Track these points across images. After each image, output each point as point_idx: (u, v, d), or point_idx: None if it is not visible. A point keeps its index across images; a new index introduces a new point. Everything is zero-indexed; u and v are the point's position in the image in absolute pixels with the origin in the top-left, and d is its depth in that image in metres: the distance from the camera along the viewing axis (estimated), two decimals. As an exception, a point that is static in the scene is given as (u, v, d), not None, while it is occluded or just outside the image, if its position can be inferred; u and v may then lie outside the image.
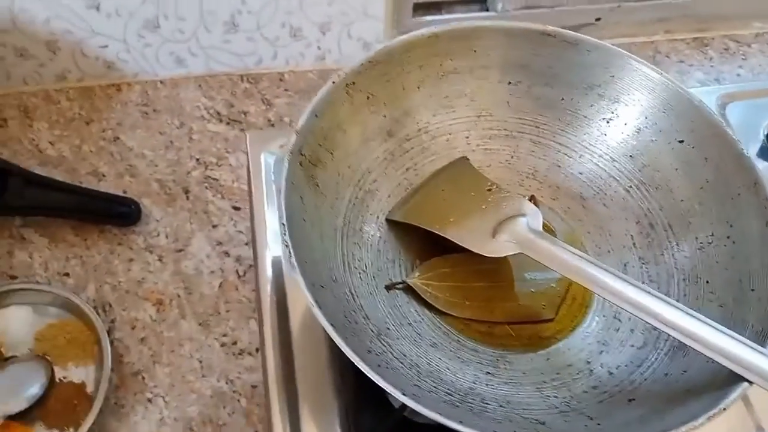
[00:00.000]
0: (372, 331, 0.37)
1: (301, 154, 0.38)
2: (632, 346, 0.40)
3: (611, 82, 0.44)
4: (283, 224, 0.34)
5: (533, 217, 0.40)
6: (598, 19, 0.72)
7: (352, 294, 0.38)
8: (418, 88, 0.45)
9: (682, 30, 0.75)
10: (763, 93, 0.59)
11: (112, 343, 0.51)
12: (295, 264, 0.32)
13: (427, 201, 0.44)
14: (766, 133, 0.56)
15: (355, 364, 0.30)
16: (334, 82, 0.40)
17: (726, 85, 0.67)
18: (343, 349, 0.30)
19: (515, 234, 0.39)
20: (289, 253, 0.33)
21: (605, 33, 0.73)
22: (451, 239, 0.41)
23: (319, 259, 0.37)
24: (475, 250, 0.40)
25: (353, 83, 0.42)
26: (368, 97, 0.43)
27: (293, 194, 0.36)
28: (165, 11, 0.61)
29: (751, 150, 0.56)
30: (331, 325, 0.31)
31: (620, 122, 0.45)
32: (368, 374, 0.30)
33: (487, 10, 0.70)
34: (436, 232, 0.42)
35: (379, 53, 0.42)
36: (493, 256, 0.40)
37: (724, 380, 0.33)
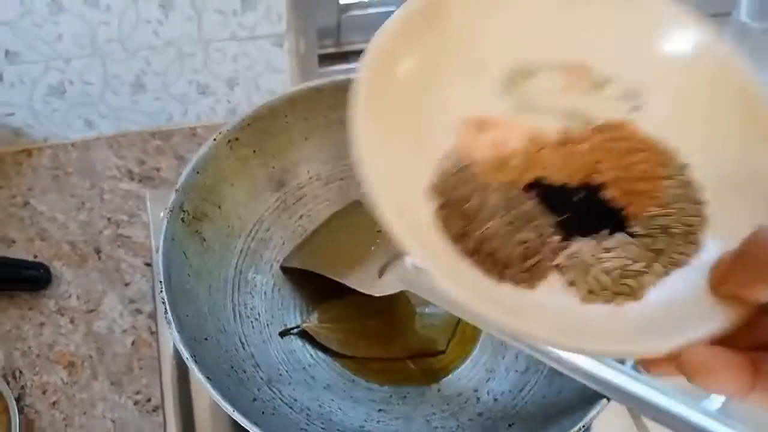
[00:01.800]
0: (261, 378, 0.38)
1: (183, 210, 0.39)
2: (516, 371, 0.42)
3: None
4: (161, 282, 0.35)
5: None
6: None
7: (242, 343, 0.40)
8: (306, 138, 0.47)
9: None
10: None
11: (21, 409, 0.50)
12: (171, 320, 0.33)
13: (319, 246, 0.45)
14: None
15: (229, 414, 0.31)
16: (215, 140, 0.42)
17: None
18: (216, 400, 0.31)
19: (399, 273, 0.41)
20: (165, 309, 0.34)
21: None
22: (341, 282, 0.43)
23: (205, 312, 0.39)
24: (363, 291, 0.42)
25: (236, 139, 0.43)
26: (254, 151, 0.44)
27: (174, 251, 0.37)
28: (69, 77, 0.62)
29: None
30: (207, 377, 0.32)
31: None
32: (242, 423, 0.31)
33: (391, 56, 0.73)
34: (328, 276, 0.43)
35: (259, 110, 0.44)
36: (379, 295, 0.41)
37: (591, 397, 0.35)
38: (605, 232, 0.24)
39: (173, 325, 0.33)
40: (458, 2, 0.27)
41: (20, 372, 0.53)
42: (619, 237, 0.24)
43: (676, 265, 0.24)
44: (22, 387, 0.52)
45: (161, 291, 0.34)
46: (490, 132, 0.27)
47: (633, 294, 0.24)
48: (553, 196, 0.25)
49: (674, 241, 0.24)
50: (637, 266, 0.24)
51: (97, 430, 0.51)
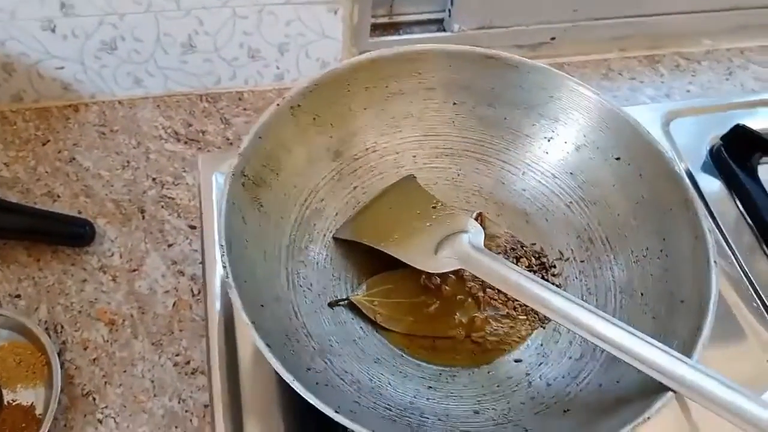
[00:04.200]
0: (314, 348, 0.38)
1: (244, 175, 0.39)
2: (570, 357, 0.41)
3: (550, 102, 0.46)
4: (222, 245, 0.34)
5: (475, 234, 0.41)
6: (553, 38, 0.73)
7: (295, 312, 0.39)
8: (365, 109, 0.46)
9: (636, 48, 0.77)
10: (707, 109, 0.61)
11: (62, 364, 0.50)
12: (232, 285, 0.33)
13: (373, 219, 0.45)
14: (708, 148, 0.58)
15: (288, 383, 0.30)
16: (278, 105, 0.41)
17: (671, 101, 0.69)
18: (276, 368, 0.31)
19: (456, 250, 0.40)
20: (227, 274, 0.33)
21: (561, 51, 0.75)
22: (394, 256, 0.42)
23: (261, 278, 0.38)
24: (418, 267, 0.41)
25: (298, 105, 0.42)
26: (314, 119, 0.44)
27: (234, 215, 0.37)
28: (122, 33, 0.61)
29: (695, 165, 0.57)
30: (267, 344, 0.32)
31: (560, 140, 0.46)
32: (301, 393, 0.31)
33: (444, 30, 0.72)
34: (381, 249, 0.43)
35: (324, 76, 0.43)
36: (434, 272, 0.41)
37: (654, 389, 0.34)
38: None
39: (235, 290, 0.33)
40: None
41: (62, 327, 0.53)
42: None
43: None
44: (63, 342, 0.52)
45: (222, 255, 0.34)
46: None
47: None
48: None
49: None
50: None
51: (136, 388, 0.51)
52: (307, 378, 0.33)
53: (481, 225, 0.45)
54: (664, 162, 0.41)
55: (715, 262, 0.37)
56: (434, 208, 0.44)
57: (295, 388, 0.31)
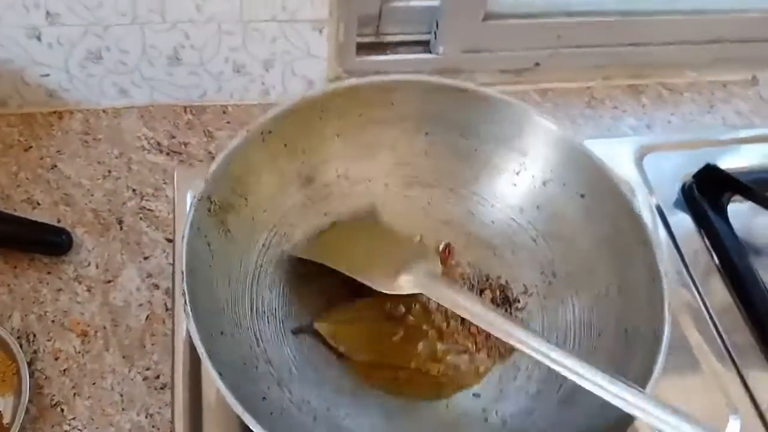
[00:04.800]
0: (273, 376, 0.38)
1: (210, 201, 0.39)
2: (527, 393, 0.41)
3: (520, 135, 0.46)
4: (182, 272, 0.35)
5: (434, 262, 0.42)
6: (537, 64, 0.74)
7: (257, 339, 0.40)
8: (338, 136, 0.47)
9: (619, 76, 0.77)
10: (683, 145, 0.62)
11: (33, 374, 0.51)
12: (189, 313, 0.33)
13: (336, 240, 0.45)
14: (680, 185, 0.58)
15: (237, 413, 0.31)
16: (248, 131, 0.42)
17: (645, 136, 0.70)
18: (226, 398, 0.31)
19: (416, 274, 0.41)
20: (185, 301, 0.34)
21: (545, 77, 0.76)
22: (354, 277, 0.43)
23: (223, 304, 0.39)
24: (377, 288, 0.42)
25: (269, 132, 0.43)
26: (286, 145, 0.44)
27: (198, 240, 0.37)
28: (107, 44, 0.62)
29: (668, 200, 0.58)
30: (219, 373, 0.32)
31: (528, 174, 0.47)
32: (249, 424, 0.31)
33: (430, 52, 0.72)
34: (341, 271, 0.43)
35: (297, 103, 0.44)
36: (392, 293, 0.41)
37: (604, 428, 0.35)
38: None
39: (191, 318, 0.33)
40: None
41: (34, 336, 0.53)
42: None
43: None
44: (35, 351, 0.53)
45: (183, 281, 0.35)
46: None
47: None
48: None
49: None
50: None
51: (105, 401, 0.51)
52: (261, 407, 0.34)
53: (448, 255, 0.45)
54: (625, 201, 0.42)
55: (669, 304, 0.38)
56: (393, 237, 0.45)
57: (244, 420, 0.31)
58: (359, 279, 0.42)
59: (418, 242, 0.46)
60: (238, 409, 0.31)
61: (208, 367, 0.32)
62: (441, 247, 0.47)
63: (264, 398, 0.36)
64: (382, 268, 0.43)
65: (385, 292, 0.42)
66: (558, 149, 0.45)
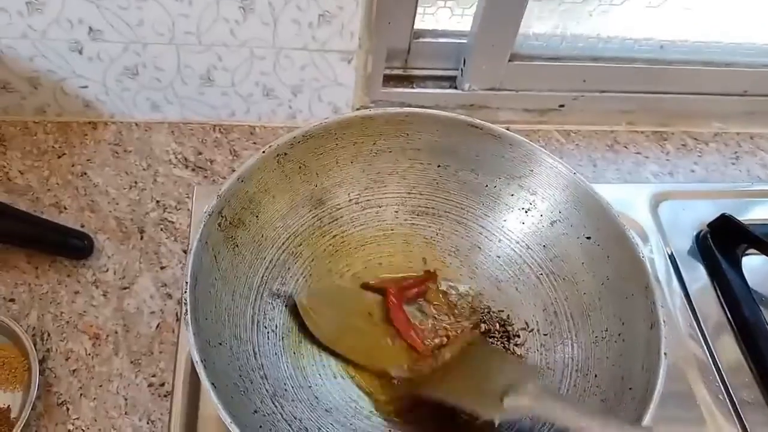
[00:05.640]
0: (266, 391, 0.39)
1: (221, 216, 0.41)
2: (519, 431, 0.41)
3: (530, 175, 0.47)
4: (186, 282, 0.36)
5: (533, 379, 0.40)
6: (561, 106, 0.75)
7: (255, 352, 0.41)
8: (351, 162, 0.48)
9: (644, 123, 0.78)
10: (700, 194, 0.62)
11: (43, 371, 0.52)
12: (189, 323, 0.35)
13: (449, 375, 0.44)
14: (695, 233, 0.58)
15: (226, 425, 0.32)
16: (264, 152, 0.43)
17: (663, 183, 0.69)
18: (216, 408, 0.32)
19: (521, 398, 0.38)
20: (186, 311, 0.35)
21: (569, 119, 0.76)
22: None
23: (225, 316, 0.40)
24: (484, 415, 0.39)
25: (285, 154, 0.44)
26: (300, 167, 0.46)
27: (206, 254, 0.39)
28: (144, 61, 0.65)
29: (682, 249, 0.58)
30: (212, 384, 0.33)
31: (537, 213, 0.47)
32: (235, 434, 0.32)
33: (456, 88, 0.74)
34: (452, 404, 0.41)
35: (313, 129, 0.45)
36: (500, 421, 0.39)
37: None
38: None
39: (190, 327, 0.34)
40: None
41: (48, 335, 0.55)
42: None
43: None
44: (47, 350, 0.54)
45: (185, 291, 0.36)
46: None
47: None
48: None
49: None
50: None
51: (110, 404, 0.53)
52: (251, 420, 0.35)
53: (432, 283, 0.46)
54: (630, 246, 0.42)
55: (665, 354, 0.38)
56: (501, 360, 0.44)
57: (231, 430, 0.32)
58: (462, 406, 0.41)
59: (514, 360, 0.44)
60: (227, 419, 0.32)
61: (201, 376, 0.33)
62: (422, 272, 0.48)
63: (255, 411, 0.37)
64: (486, 394, 0.39)
65: (490, 419, 0.38)
66: (567, 191, 0.46)
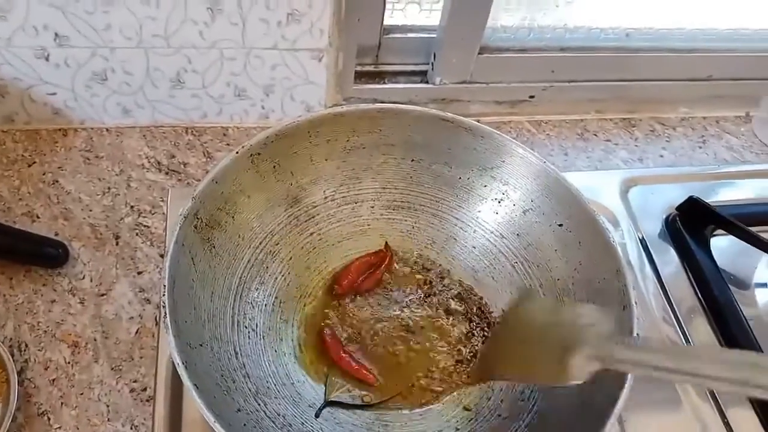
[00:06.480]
0: (249, 390, 0.39)
1: (197, 218, 0.41)
2: (500, 415, 0.42)
3: (502, 166, 0.48)
4: (165, 285, 0.36)
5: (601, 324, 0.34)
6: (532, 97, 0.76)
7: (236, 352, 0.41)
8: (326, 160, 0.48)
9: (613, 110, 0.79)
10: (669, 179, 0.63)
11: (22, 382, 0.52)
12: (168, 325, 0.35)
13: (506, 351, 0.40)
14: (664, 217, 0.59)
15: (209, 423, 0.32)
16: (237, 153, 0.43)
17: (632, 169, 0.71)
18: (199, 408, 0.32)
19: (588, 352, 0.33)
20: (165, 314, 0.35)
21: (539, 110, 0.77)
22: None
23: (204, 317, 0.40)
24: (555, 384, 0.35)
25: (258, 154, 0.45)
26: (274, 167, 0.46)
27: (182, 256, 0.39)
28: (113, 65, 0.64)
29: (652, 232, 0.59)
30: (194, 385, 0.33)
31: (509, 203, 0.48)
32: (219, 432, 0.32)
33: (427, 82, 0.74)
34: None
35: (286, 128, 0.45)
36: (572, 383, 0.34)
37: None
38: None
39: (170, 330, 0.34)
40: None
41: (26, 345, 0.55)
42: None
43: None
44: (26, 360, 0.54)
45: (164, 294, 0.36)
46: None
47: None
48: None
49: None
50: None
51: (91, 411, 0.52)
52: (235, 418, 0.35)
53: (388, 265, 0.47)
54: (600, 232, 0.43)
55: (637, 334, 0.39)
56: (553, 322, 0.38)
57: (215, 429, 0.32)
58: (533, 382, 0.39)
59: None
60: (210, 419, 0.32)
61: (183, 377, 0.33)
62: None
63: (239, 410, 0.37)
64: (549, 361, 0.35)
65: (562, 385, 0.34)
66: (538, 180, 0.47)
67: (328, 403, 0.41)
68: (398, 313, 0.46)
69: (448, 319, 0.46)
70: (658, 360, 0.31)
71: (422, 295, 0.47)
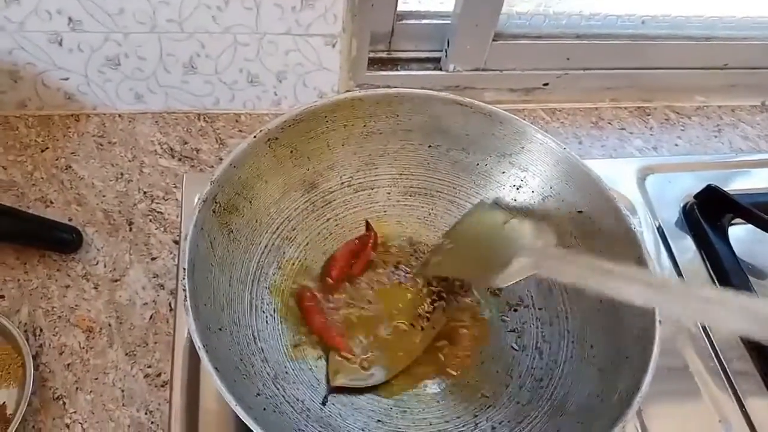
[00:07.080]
0: (268, 374, 0.39)
1: (215, 202, 0.40)
2: (518, 402, 0.42)
3: (521, 152, 0.47)
4: (184, 269, 0.36)
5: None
6: (546, 84, 0.75)
7: (254, 337, 0.41)
8: (343, 145, 0.48)
9: (627, 99, 0.78)
10: (685, 167, 0.62)
11: (38, 367, 0.52)
12: (189, 309, 0.34)
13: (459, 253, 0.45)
14: (682, 205, 0.59)
15: (231, 406, 0.32)
16: (255, 137, 0.43)
17: (648, 157, 0.70)
18: (220, 391, 0.32)
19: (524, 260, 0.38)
20: (185, 297, 0.35)
21: (553, 97, 0.77)
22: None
23: (223, 302, 0.40)
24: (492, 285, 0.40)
25: (276, 138, 0.44)
26: (291, 152, 0.45)
27: (201, 240, 0.38)
28: (126, 50, 0.64)
29: (669, 221, 0.59)
30: (215, 368, 0.33)
31: (528, 189, 0.48)
32: (242, 417, 0.32)
33: (440, 69, 0.74)
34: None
35: (303, 112, 0.45)
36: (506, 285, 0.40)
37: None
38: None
39: (190, 313, 0.34)
40: None
41: (41, 330, 0.55)
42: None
43: None
44: (41, 345, 0.54)
45: (183, 278, 0.36)
46: None
47: None
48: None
49: None
50: None
51: (106, 396, 0.52)
52: (255, 402, 0.35)
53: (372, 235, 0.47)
54: (622, 219, 0.43)
55: (660, 322, 0.38)
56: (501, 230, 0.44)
57: (237, 412, 0.32)
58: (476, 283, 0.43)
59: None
60: (231, 401, 0.32)
61: (203, 360, 0.33)
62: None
63: (258, 394, 0.37)
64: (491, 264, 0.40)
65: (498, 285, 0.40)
66: (557, 166, 0.46)
67: (334, 389, 0.41)
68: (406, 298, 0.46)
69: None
70: (582, 274, 0.35)
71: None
